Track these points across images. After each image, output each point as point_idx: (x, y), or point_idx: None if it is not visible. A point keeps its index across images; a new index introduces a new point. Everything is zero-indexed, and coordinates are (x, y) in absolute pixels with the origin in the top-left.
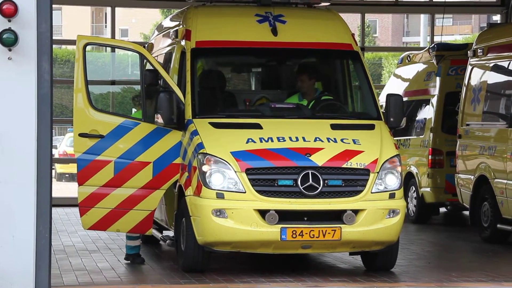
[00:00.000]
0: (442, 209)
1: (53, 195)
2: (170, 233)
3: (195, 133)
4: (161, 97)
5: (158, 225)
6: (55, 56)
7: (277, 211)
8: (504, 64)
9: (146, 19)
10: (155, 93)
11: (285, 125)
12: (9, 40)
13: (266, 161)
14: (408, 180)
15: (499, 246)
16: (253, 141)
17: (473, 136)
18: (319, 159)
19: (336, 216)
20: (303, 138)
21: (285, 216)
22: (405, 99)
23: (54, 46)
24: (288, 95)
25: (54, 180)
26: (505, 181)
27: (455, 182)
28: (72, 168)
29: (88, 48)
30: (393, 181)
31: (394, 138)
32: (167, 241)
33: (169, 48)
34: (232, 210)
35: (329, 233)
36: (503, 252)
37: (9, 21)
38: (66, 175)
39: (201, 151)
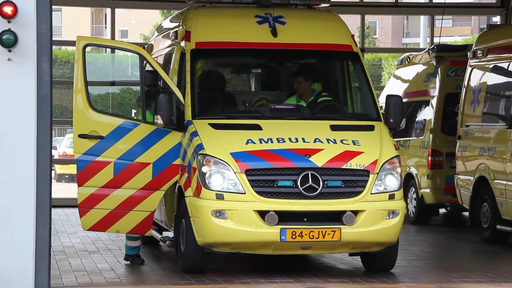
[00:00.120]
0: (442, 210)
1: (53, 196)
2: (170, 234)
3: (194, 134)
4: (160, 98)
5: (157, 226)
6: (54, 57)
7: (276, 212)
8: (504, 65)
9: (146, 20)
10: (155, 94)
11: (284, 126)
12: (8, 41)
13: (266, 162)
14: (407, 181)
15: (498, 247)
16: (252, 142)
17: (472, 137)
18: (318, 160)
19: (336, 217)
20: (303, 139)
21: (284, 217)
22: (404, 100)
23: (53, 47)
24: (287, 96)
25: (53, 181)
26: (504, 182)
27: (455, 183)
28: (72, 169)
29: (88, 49)
30: (392, 182)
31: (394, 139)
32: (166, 242)
33: (168, 49)
34: (232, 211)
35: (328, 234)
36: (503, 253)
37: (9, 22)
38: (66, 176)
39: (200, 152)
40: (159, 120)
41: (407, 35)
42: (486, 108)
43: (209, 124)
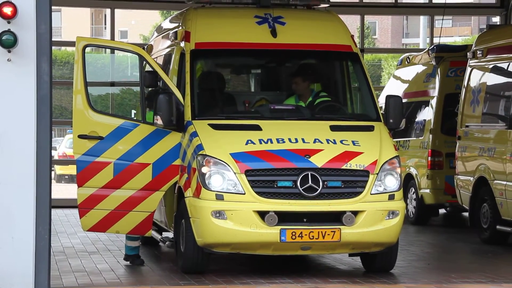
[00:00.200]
0: (442, 211)
1: (53, 196)
2: (170, 234)
3: (194, 134)
4: (160, 99)
5: (157, 226)
6: (54, 58)
7: (276, 213)
8: (504, 65)
9: (146, 21)
10: (155, 94)
11: (284, 126)
12: (8, 42)
13: (266, 162)
14: (407, 182)
15: (498, 248)
16: (252, 142)
17: (472, 138)
18: (318, 161)
19: (336, 218)
20: (303, 139)
21: (284, 218)
22: (404, 100)
23: (53, 47)
24: (287, 96)
25: (53, 181)
26: (504, 183)
27: (455, 184)
28: (72, 170)
29: (88, 49)
30: (392, 182)
31: (394, 140)
32: (166, 243)
33: (168, 49)
34: (232, 212)
35: (328, 234)
36: (503, 253)
37: (9, 22)
38: (66, 177)
39: (200, 152)
40: (158, 121)
41: (406, 36)
42: (486, 109)
43: (208, 124)
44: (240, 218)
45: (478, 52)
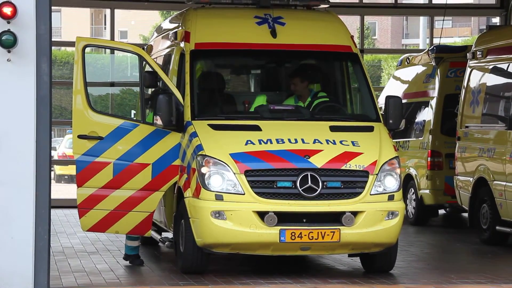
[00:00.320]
0: (441, 211)
1: (52, 196)
2: (169, 234)
3: (194, 135)
4: (160, 99)
5: (157, 226)
6: (54, 58)
7: (276, 213)
8: (503, 66)
9: (145, 21)
10: (155, 95)
11: (284, 127)
12: (8, 42)
13: (265, 163)
14: (407, 182)
15: (498, 248)
16: (252, 143)
17: (472, 138)
18: (318, 161)
19: (335, 218)
20: (302, 140)
21: (284, 218)
22: (404, 101)
23: (53, 47)
24: (286, 97)
25: (53, 181)
26: (504, 183)
27: (454, 184)
28: (71, 170)
29: (87, 49)
30: (392, 183)
31: (393, 140)
32: (166, 243)
33: (168, 50)
34: (231, 212)
35: (328, 234)
36: (502, 254)
37: (8, 22)
38: (65, 177)
39: (200, 153)
40: (158, 121)
41: (406, 36)
42: (486, 109)
43: (208, 125)
44: (240, 219)
45: (478, 52)
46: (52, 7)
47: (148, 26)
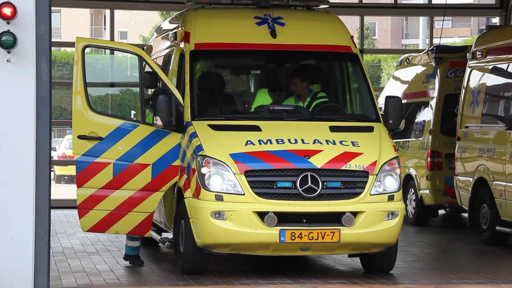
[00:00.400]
0: (441, 211)
1: (52, 197)
2: (169, 235)
3: (194, 135)
4: (160, 99)
5: (157, 227)
6: (54, 58)
7: (276, 213)
8: (503, 66)
9: (145, 22)
10: (155, 95)
11: (284, 127)
12: (8, 42)
13: (265, 163)
14: (407, 182)
15: (498, 248)
16: (252, 143)
17: (472, 138)
18: (318, 161)
19: (335, 218)
20: (302, 140)
21: (284, 218)
22: (404, 101)
23: (53, 48)
24: (286, 97)
25: (53, 182)
26: (504, 183)
27: (454, 184)
28: (71, 170)
29: (87, 50)
30: (392, 183)
31: (393, 140)
32: (166, 243)
33: (168, 50)
34: (231, 212)
35: (328, 235)
36: (502, 254)
37: (8, 23)
38: (65, 177)
39: (200, 153)
40: (158, 121)
41: (406, 36)
42: (485, 109)
43: (208, 125)
44: (240, 219)
45: (478, 53)
46: (52, 8)
47: (148, 27)
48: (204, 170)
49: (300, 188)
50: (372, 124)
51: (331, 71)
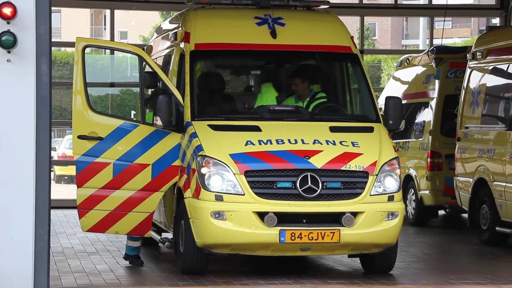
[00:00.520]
0: (441, 212)
1: (52, 197)
2: (169, 235)
3: (194, 135)
4: (160, 100)
5: (157, 227)
6: (54, 58)
7: (276, 213)
8: (503, 67)
9: (145, 22)
10: (155, 95)
11: (284, 127)
12: (8, 42)
13: (265, 163)
14: (407, 183)
15: (498, 249)
16: (252, 143)
17: (472, 139)
18: (318, 162)
19: (335, 219)
20: (302, 140)
21: (284, 218)
22: (404, 101)
23: (53, 48)
24: (286, 97)
25: (53, 182)
26: (504, 184)
27: (454, 185)
28: (71, 170)
29: (87, 50)
30: (392, 183)
31: (393, 141)
32: (166, 243)
33: (168, 50)
34: (231, 212)
35: (328, 235)
36: (502, 255)
37: (8, 23)
38: (65, 177)
39: (200, 153)
40: (158, 121)
41: (406, 37)
42: (486, 110)
43: (208, 125)
44: (240, 219)
45: (478, 53)
46: (52, 8)
47: (148, 27)
48: (204, 170)
49: (300, 189)
50: (372, 125)
51: (331, 71)
